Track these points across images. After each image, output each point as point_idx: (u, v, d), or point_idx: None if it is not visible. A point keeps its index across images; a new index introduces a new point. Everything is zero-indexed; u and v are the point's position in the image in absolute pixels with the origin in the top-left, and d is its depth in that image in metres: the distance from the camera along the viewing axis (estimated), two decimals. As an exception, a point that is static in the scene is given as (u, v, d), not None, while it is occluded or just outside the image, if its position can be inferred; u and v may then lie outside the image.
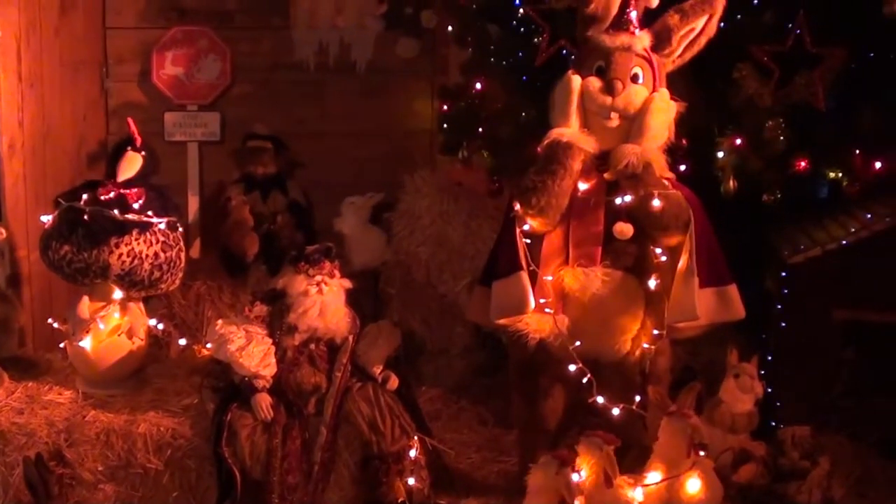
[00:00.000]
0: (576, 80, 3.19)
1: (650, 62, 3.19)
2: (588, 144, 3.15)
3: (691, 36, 3.24)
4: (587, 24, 3.26)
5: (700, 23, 3.21)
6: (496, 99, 4.19)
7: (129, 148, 4.07)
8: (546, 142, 3.16)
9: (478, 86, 4.33)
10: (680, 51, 3.26)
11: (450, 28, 4.77)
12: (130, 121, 4.26)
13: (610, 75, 3.14)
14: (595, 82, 3.17)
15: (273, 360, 3.49)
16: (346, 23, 5.27)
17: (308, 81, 5.25)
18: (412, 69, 5.20)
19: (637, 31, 3.18)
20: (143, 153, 4.06)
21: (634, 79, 3.16)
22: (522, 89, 4.03)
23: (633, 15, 3.18)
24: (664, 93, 3.19)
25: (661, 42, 3.22)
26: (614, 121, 3.15)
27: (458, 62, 4.66)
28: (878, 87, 3.68)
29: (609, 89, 3.12)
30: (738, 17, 3.65)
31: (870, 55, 3.70)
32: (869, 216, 3.58)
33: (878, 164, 3.59)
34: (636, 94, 3.14)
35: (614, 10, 3.20)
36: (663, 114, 3.16)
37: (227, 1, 5.17)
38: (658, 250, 3.13)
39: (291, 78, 5.25)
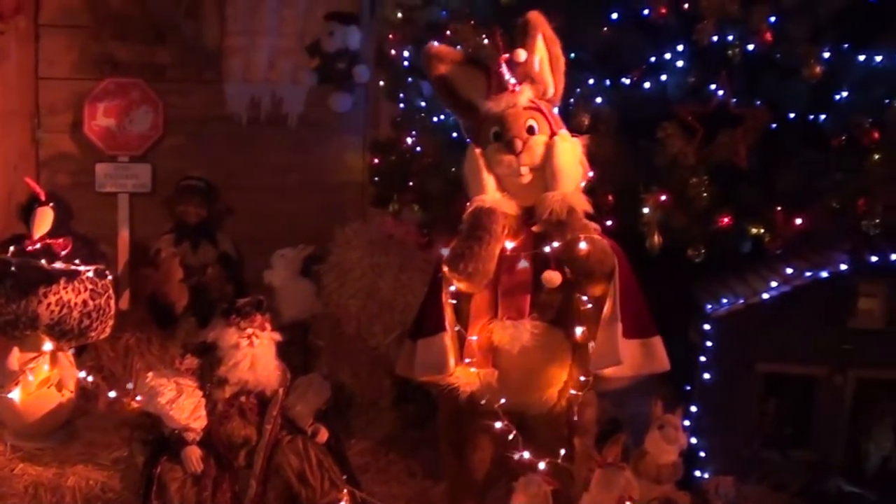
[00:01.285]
0: (478, 152, 3.25)
1: (540, 110, 3.25)
2: (509, 207, 3.21)
3: (546, 62, 3.31)
4: (459, 110, 3.40)
5: (540, 46, 3.27)
6: (427, 154, 4.24)
7: (36, 205, 4.03)
8: (469, 210, 3.21)
9: (409, 140, 4.38)
10: (551, 80, 3.33)
11: (381, 83, 4.83)
12: (28, 179, 4.25)
13: (507, 136, 3.19)
14: (496, 147, 3.22)
15: (203, 412, 3.47)
16: (279, 77, 5.31)
17: (240, 134, 5.28)
18: (344, 123, 5.25)
19: (517, 87, 3.23)
20: (51, 205, 4.03)
21: (531, 131, 3.21)
22: (452, 145, 4.08)
23: (507, 75, 3.23)
24: (564, 133, 3.25)
25: (536, 86, 3.28)
26: (526, 176, 3.20)
27: (390, 117, 4.71)
28: (798, 147, 3.78)
29: (510, 149, 3.17)
30: (663, 77, 3.75)
31: (790, 116, 3.81)
32: (790, 271, 3.65)
33: (798, 221, 3.65)
34: (537, 143, 3.19)
35: (471, 78, 3.32)
36: (569, 153, 3.20)
37: (159, 54, 5.19)
38: (584, 298, 3.18)
39: (223, 130, 5.29)
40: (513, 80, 3.23)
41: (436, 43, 3.42)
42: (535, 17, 3.28)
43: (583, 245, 3.07)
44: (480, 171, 3.23)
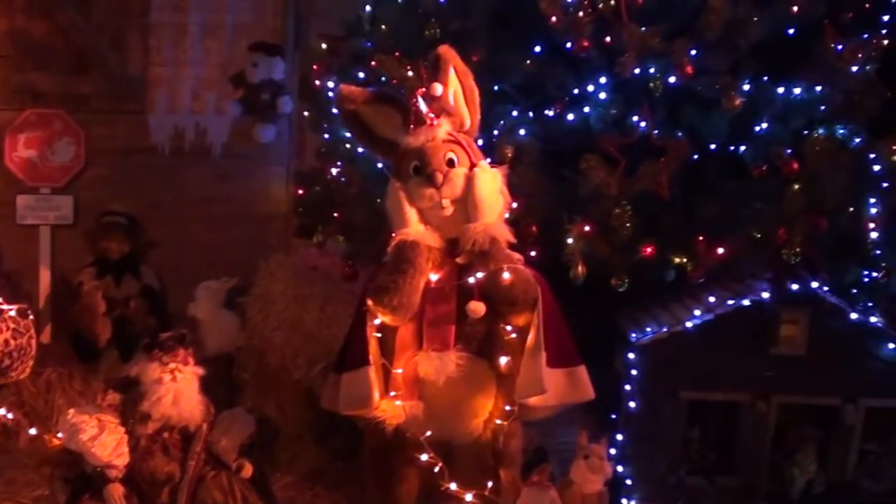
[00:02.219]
0: (398, 185, 3.27)
1: (458, 142, 3.28)
2: (432, 240, 3.22)
3: (460, 94, 3.34)
4: (375, 147, 3.43)
5: (452, 78, 3.31)
6: (351, 184, 4.23)
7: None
8: (393, 243, 3.22)
9: (333, 171, 4.37)
10: (466, 111, 3.35)
11: (306, 114, 4.82)
12: None
13: (427, 169, 3.21)
14: (417, 181, 3.24)
15: (126, 449, 3.40)
16: (203, 108, 5.28)
17: (163, 165, 5.23)
18: (268, 154, 5.23)
19: (435, 120, 3.25)
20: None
21: (451, 163, 3.24)
22: (377, 176, 4.08)
23: (425, 110, 3.25)
24: (484, 164, 3.28)
25: (452, 119, 3.31)
26: (448, 209, 3.22)
27: (314, 148, 4.70)
28: (719, 177, 3.84)
29: (431, 182, 3.19)
30: (586, 109, 3.78)
31: (711, 147, 3.86)
32: (712, 299, 3.70)
33: (720, 250, 3.70)
34: (457, 175, 3.22)
35: (385, 115, 3.34)
36: (489, 183, 3.23)
37: (81, 84, 5.13)
38: (508, 328, 3.18)
39: (146, 162, 5.23)
40: (431, 114, 3.24)
41: (343, 85, 3.44)
42: (446, 50, 3.31)
43: (506, 275, 3.09)
44: (402, 205, 3.23)
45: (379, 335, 3.22)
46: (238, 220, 5.21)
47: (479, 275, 3.12)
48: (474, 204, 3.19)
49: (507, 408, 3.22)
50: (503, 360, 3.20)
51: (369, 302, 3.19)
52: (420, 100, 3.25)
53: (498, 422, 3.25)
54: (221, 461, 3.53)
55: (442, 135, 3.26)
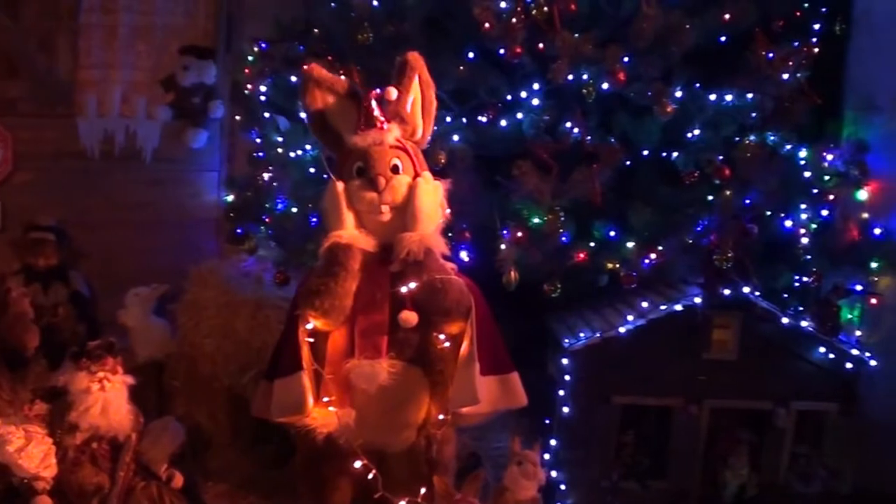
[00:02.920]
0: (340, 186, 3.22)
1: (405, 150, 3.25)
2: (366, 243, 3.19)
3: (418, 103, 3.32)
4: (323, 135, 3.35)
5: (415, 87, 3.28)
6: (283, 190, 4.20)
7: None
8: (325, 245, 3.18)
9: (265, 176, 4.33)
10: (420, 122, 3.33)
11: (238, 118, 4.78)
12: None
13: (371, 172, 3.18)
14: (358, 183, 3.21)
15: (54, 460, 3.35)
16: (133, 112, 5.22)
17: (93, 170, 5.17)
18: (199, 159, 5.18)
19: (385, 124, 3.23)
20: None
21: (395, 170, 3.21)
22: (309, 181, 4.06)
23: (377, 112, 3.23)
24: (427, 175, 3.26)
25: (402, 126, 3.28)
26: (386, 214, 3.19)
27: (246, 152, 4.67)
28: (651, 183, 3.87)
29: (373, 186, 3.17)
30: (519, 115, 3.79)
31: (644, 153, 3.89)
32: (645, 305, 3.72)
33: (652, 256, 3.73)
34: (400, 183, 3.19)
35: (342, 110, 3.29)
36: (430, 195, 3.21)
37: (9, 88, 5.05)
38: (441, 337, 3.17)
39: (76, 166, 5.17)
40: (381, 118, 3.23)
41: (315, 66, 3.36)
42: (415, 58, 3.28)
43: (440, 286, 3.08)
44: (340, 206, 3.20)
45: (311, 340, 3.19)
46: (169, 226, 5.16)
47: (412, 285, 3.10)
48: (413, 213, 3.17)
49: (441, 417, 3.21)
50: (436, 370, 3.18)
51: (300, 305, 3.16)
52: (374, 102, 3.22)
53: (431, 431, 3.23)
54: (151, 471, 3.48)
55: (390, 140, 3.23)
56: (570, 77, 3.71)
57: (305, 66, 3.34)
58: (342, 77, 3.36)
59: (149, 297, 4.59)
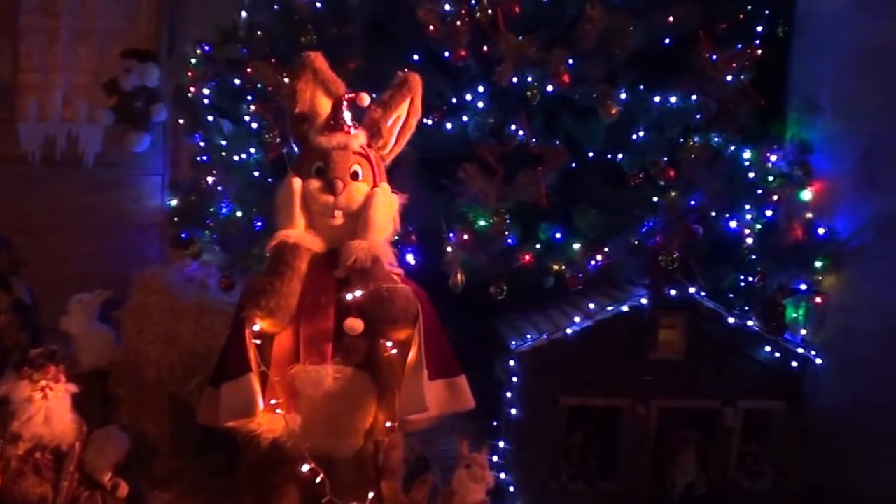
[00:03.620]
0: (297, 183, 3.19)
1: (368, 158, 3.24)
2: (315, 244, 3.16)
3: (399, 123, 3.32)
4: (299, 127, 3.29)
5: (404, 108, 3.30)
6: (227, 193, 4.17)
7: None
8: (273, 244, 3.15)
9: (209, 180, 4.30)
10: (394, 140, 3.34)
11: (181, 121, 4.74)
12: None
13: (330, 175, 3.16)
14: (316, 183, 3.18)
15: (-5, 470, 3.32)
16: (75, 115, 5.17)
17: (33, 175, 5.11)
18: (142, 163, 5.14)
19: (352, 129, 3.22)
20: None
21: (354, 176, 3.20)
22: (253, 184, 4.03)
23: (347, 115, 3.23)
24: (385, 187, 3.25)
25: (374, 136, 3.28)
26: (339, 219, 3.17)
27: (189, 156, 4.63)
28: (597, 185, 3.88)
29: (330, 189, 3.15)
30: (464, 118, 3.78)
31: (589, 155, 3.89)
32: (591, 306, 3.72)
33: (598, 257, 3.73)
34: (357, 190, 3.18)
35: (322, 110, 3.26)
36: (386, 207, 3.20)
37: (-51, 92, 4.98)
38: (389, 344, 3.15)
39: (16, 171, 5.12)
40: (349, 122, 3.21)
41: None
42: (416, 82, 3.29)
43: (386, 295, 3.07)
44: (293, 204, 3.18)
45: (258, 342, 3.16)
46: (112, 231, 5.12)
47: (358, 293, 3.08)
48: (366, 222, 3.15)
49: (388, 424, 3.19)
50: (383, 377, 3.17)
51: (245, 305, 3.13)
52: (345, 104, 3.21)
53: (379, 439, 3.21)
54: (95, 481, 3.44)
55: (355, 145, 3.22)
56: (515, 79, 3.70)
57: (310, 54, 3.28)
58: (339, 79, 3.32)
59: (92, 304, 4.52)
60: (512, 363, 3.68)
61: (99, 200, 5.15)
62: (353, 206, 3.17)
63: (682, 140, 3.85)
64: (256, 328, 3.14)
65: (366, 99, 3.23)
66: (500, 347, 3.82)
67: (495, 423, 3.80)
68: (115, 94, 5.08)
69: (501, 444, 3.70)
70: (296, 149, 3.38)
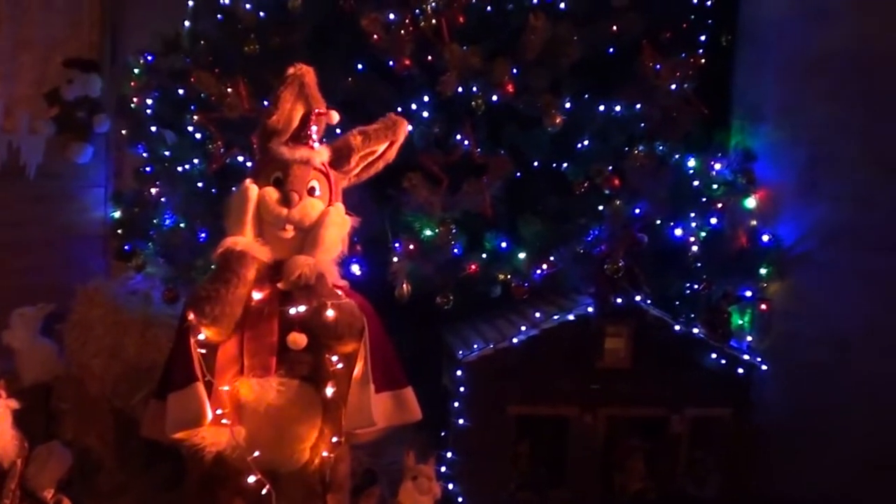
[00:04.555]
0: (253, 190, 3.17)
1: (327, 176, 3.23)
2: (262, 254, 3.13)
3: (371, 158, 3.32)
4: (268, 135, 3.26)
5: (381, 147, 3.30)
6: (171, 205, 4.14)
7: None
8: (220, 250, 3.11)
9: (153, 191, 4.26)
10: (358, 170, 3.32)
11: (124, 132, 4.70)
12: None
13: (287, 187, 3.14)
14: (272, 193, 3.16)
15: (-65, 488, 3.26)
16: (16, 126, 5.10)
17: (-26, 186, 5.04)
18: (85, 174, 5.09)
19: (316, 145, 3.21)
20: None
21: (311, 192, 3.18)
22: (197, 195, 4.00)
23: (314, 130, 3.21)
24: (339, 207, 3.23)
25: (340, 159, 3.26)
26: (289, 232, 3.15)
27: (133, 167, 4.59)
28: (542, 194, 3.88)
29: (286, 201, 3.13)
30: (409, 128, 3.77)
31: (534, 164, 3.90)
32: (537, 315, 3.72)
33: (544, 266, 3.74)
34: (312, 206, 3.16)
35: (295, 123, 3.24)
36: (338, 227, 3.18)
37: None
38: (334, 358, 3.13)
39: (-44, 183, 5.03)
40: (315, 137, 3.20)
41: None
42: (402, 128, 3.30)
43: (330, 313, 3.05)
44: (246, 211, 3.15)
45: (203, 351, 3.13)
46: (54, 244, 5.06)
47: (302, 308, 3.07)
48: (315, 239, 3.14)
49: (335, 439, 3.16)
50: (329, 390, 3.13)
51: (189, 314, 3.09)
52: (314, 119, 3.19)
53: (325, 454, 3.18)
54: (38, 498, 3.39)
55: (316, 161, 3.21)
56: (460, 89, 3.71)
57: (299, 66, 3.24)
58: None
59: (34, 318, 4.48)
60: (459, 373, 3.67)
61: (41, 212, 5.08)
62: (306, 222, 3.16)
63: (626, 149, 3.86)
64: (202, 337, 3.11)
65: (335, 117, 3.23)
66: (448, 357, 3.82)
67: (443, 434, 3.80)
68: (57, 105, 5.03)
69: (449, 454, 3.70)
70: (252, 156, 3.36)
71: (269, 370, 3.09)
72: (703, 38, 4.24)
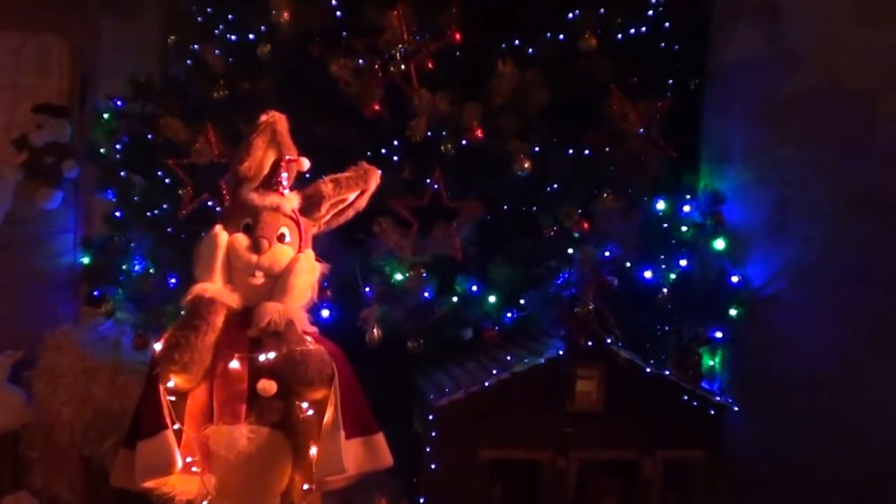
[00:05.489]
0: (223, 236, 3.16)
1: (297, 223, 3.23)
2: (231, 300, 3.13)
3: (341, 206, 3.33)
4: (238, 181, 3.26)
5: (352, 196, 3.31)
6: (140, 251, 4.12)
7: None
8: (189, 297, 3.11)
9: (122, 237, 4.25)
10: (328, 217, 3.33)
11: (93, 177, 4.70)
12: None
13: (257, 233, 3.14)
14: (242, 239, 3.16)
15: None
16: (-17, 171, 5.08)
17: (-59, 232, 5.00)
18: (54, 220, 5.06)
19: (286, 192, 3.21)
20: None
21: (281, 238, 3.18)
22: (166, 240, 3.99)
23: (284, 177, 3.21)
24: (309, 254, 3.23)
25: (310, 206, 3.27)
26: (259, 278, 3.15)
27: (102, 213, 4.58)
28: (512, 237, 3.89)
29: (255, 247, 3.13)
30: (378, 172, 3.78)
31: (503, 207, 3.91)
32: (508, 358, 3.71)
33: (514, 310, 3.75)
34: (282, 253, 3.16)
35: (266, 170, 3.24)
36: (307, 274, 3.18)
37: None
38: (304, 405, 3.12)
39: (-77, 229, 5.00)
40: (285, 183, 3.19)
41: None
42: (374, 177, 3.31)
43: (300, 358, 3.05)
44: (215, 257, 3.14)
45: (172, 399, 3.11)
46: (23, 290, 5.01)
47: (271, 355, 3.05)
48: (285, 286, 3.14)
49: (305, 487, 3.15)
50: (299, 438, 3.13)
51: (159, 359, 3.08)
52: (284, 165, 3.18)
53: (295, 502, 3.17)
54: (4, 549, 3.37)
55: (286, 208, 3.21)
56: (429, 134, 3.72)
57: (272, 113, 3.25)
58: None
59: (2, 365, 4.46)
60: (430, 417, 3.65)
61: (9, 258, 5.04)
62: (276, 269, 3.15)
63: (595, 192, 3.87)
64: (171, 384, 3.09)
65: (305, 163, 3.23)
66: (418, 402, 3.80)
67: (415, 480, 3.77)
68: (26, 150, 5.00)
69: (422, 500, 3.67)
70: (222, 202, 3.35)
71: (238, 417, 3.08)
72: (670, 81, 4.27)
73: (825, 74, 3.85)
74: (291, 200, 3.24)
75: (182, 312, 3.15)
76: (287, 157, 3.22)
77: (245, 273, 3.16)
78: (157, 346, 3.12)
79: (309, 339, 3.15)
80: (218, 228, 3.20)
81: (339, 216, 3.36)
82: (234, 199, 3.28)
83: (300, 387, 3.10)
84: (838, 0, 3.80)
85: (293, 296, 3.14)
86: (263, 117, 3.23)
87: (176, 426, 3.08)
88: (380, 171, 3.33)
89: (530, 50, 3.99)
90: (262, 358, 3.07)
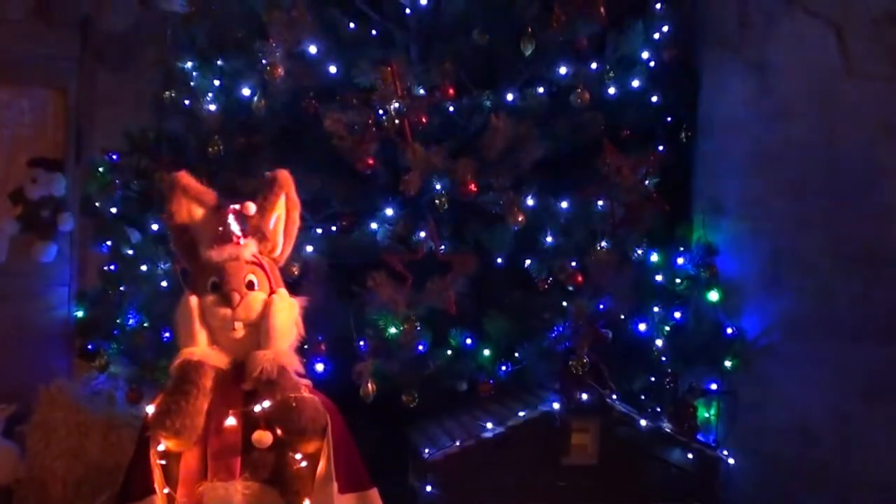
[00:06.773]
0: (193, 301, 3.15)
1: (262, 266, 3.21)
2: (218, 360, 3.11)
3: (281, 221, 3.29)
4: (181, 241, 3.25)
5: (280, 206, 3.26)
6: (134, 304, 4.12)
7: None
8: (176, 363, 3.09)
9: (117, 290, 4.25)
10: (281, 239, 3.30)
11: (88, 231, 4.70)
12: None
13: (225, 288, 3.12)
14: (213, 298, 3.15)
15: None
16: (-21, 225, 5.10)
17: (-63, 286, 5.00)
18: (49, 273, 5.06)
19: (242, 240, 3.20)
20: None
21: (250, 286, 3.15)
22: (162, 295, 3.99)
23: (234, 226, 3.20)
24: (283, 292, 3.21)
25: (261, 242, 3.24)
26: (239, 331, 3.13)
27: (97, 266, 4.58)
28: (506, 290, 3.89)
29: (227, 302, 3.11)
30: (373, 226, 3.80)
31: (497, 260, 3.92)
32: (503, 412, 3.71)
33: (509, 363, 3.76)
34: (255, 299, 3.14)
35: (202, 221, 3.23)
36: (286, 312, 3.16)
37: None
38: (298, 456, 3.11)
39: (-81, 283, 5.00)
40: (238, 232, 3.18)
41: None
42: (284, 177, 3.26)
43: (294, 405, 3.03)
44: (193, 322, 3.13)
45: (163, 462, 3.10)
46: (17, 343, 5.00)
47: (266, 404, 3.04)
48: (267, 331, 3.12)
49: (299, 541, 3.13)
50: (293, 491, 3.10)
51: (151, 426, 3.06)
52: (231, 217, 3.18)
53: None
54: None
55: (247, 255, 3.18)
56: (423, 188, 3.73)
57: (174, 174, 3.24)
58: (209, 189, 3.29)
59: (-5, 419, 4.45)
60: (425, 472, 3.64)
61: (4, 311, 5.04)
62: (252, 317, 3.14)
63: (589, 245, 3.89)
64: (161, 448, 3.08)
65: (251, 207, 3.21)
66: (413, 456, 3.79)
67: (410, 535, 3.76)
68: (21, 204, 5.02)
69: (417, 555, 3.66)
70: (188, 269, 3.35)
71: (233, 473, 3.05)
72: (662, 134, 4.30)
73: (816, 128, 3.88)
74: (249, 246, 3.20)
75: (171, 379, 3.13)
76: (231, 206, 3.22)
77: (225, 329, 3.14)
78: (149, 409, 3.10)
79: (304, 382, 3.14)
80: (187, 295, 3.18)
81: (290, 229, 3.31)
82: (195, 263, 3.27)
83: (294, 436, 3.07)
84: (827, 54, 3.84)
85: (278, 337, 3.12)
86: (165, 179, 3.26)
87: (166, 490, 3.07)
88: (285, 170, 3.29)
89: (523, 104, 4.01)
90: (257, 408, 3.06)
